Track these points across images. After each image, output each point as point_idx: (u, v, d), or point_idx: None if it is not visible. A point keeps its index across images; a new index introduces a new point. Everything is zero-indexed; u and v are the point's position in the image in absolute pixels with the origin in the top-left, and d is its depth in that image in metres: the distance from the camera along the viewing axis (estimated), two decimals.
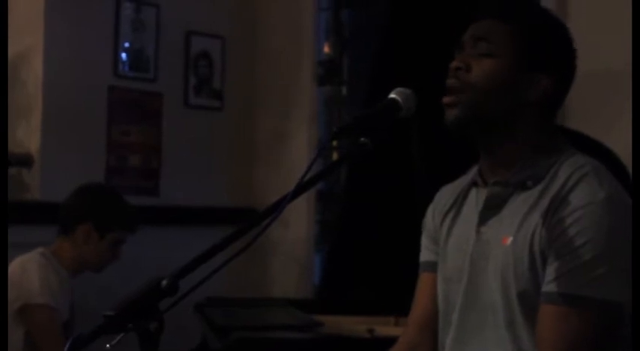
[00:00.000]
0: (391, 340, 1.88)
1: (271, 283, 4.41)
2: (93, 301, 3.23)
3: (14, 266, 2.99)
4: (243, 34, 4.49)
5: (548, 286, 1.55)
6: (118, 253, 3.14)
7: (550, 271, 1.55)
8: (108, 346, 1.25)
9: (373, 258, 3.37)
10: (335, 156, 3.83)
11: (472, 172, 1.78)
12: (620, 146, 2.67)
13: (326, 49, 4.52)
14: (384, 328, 2.95)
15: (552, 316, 1.54)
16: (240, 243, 1.35)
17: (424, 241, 1.86)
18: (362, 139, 1.45)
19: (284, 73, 4.48)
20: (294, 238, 4.31)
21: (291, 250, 4.35)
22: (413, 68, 2.96)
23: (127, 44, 4.06)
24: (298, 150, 4.31)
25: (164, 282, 1.26)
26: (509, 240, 1.61)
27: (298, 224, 4.26)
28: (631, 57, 2.98)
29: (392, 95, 1.53)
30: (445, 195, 1.83)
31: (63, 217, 3.11)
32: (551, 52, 1.68)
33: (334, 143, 1.45)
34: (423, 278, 1.84)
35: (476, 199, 1.73)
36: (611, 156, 2.58)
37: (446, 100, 1.66)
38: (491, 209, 1.67)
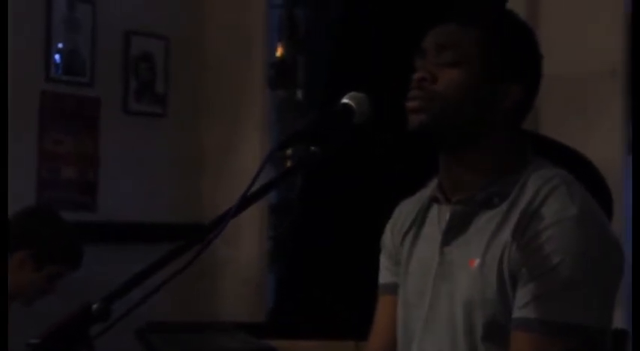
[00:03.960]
0: None
1: (220, 305, 4.39)
2: (18, 328, 3.17)
3: None
4: (188, 33, 4.47)
5: (522, 311, 1.54)
6: (54, 287, 3.01)
7: (522, 294, 1.55)
8: None
9: (331, 278, 3.38)
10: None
11: (431, 187, 1.77)
12: (596, 154, 2.70)
13: (279, 50, 4.53)
14: None
15: (529, 345, 1.53)
16: (182, 261, 1.34)
17: (383, 261, 1.84)
18: (312, 148, 1.46)
19: (233, 76, 4.47)
20: (244, 256, 4.29)
21: (242, 270, 4.34)
22: (373, 70, 2.98)
23: (60, 45, 4.03)
24: (250, 160, 4.29)
25: (95, 306, 1.26)
26: (477, 262, 1.60)
27: (249, 241, 4.25)
28: (609, 60, 3.03)
29: (344, 100, 1.54)
30: (404, 212, 1.82)
31: None
32: (520, 60, 1.69)
33: (288, 151, 1.45)
34: (383, 302, 1.82)
35: (437, 217, 1.72)
36: (590, 168, 2.61)
37: (411, 104, 1.65)
38: (455, 229, 1.67)
